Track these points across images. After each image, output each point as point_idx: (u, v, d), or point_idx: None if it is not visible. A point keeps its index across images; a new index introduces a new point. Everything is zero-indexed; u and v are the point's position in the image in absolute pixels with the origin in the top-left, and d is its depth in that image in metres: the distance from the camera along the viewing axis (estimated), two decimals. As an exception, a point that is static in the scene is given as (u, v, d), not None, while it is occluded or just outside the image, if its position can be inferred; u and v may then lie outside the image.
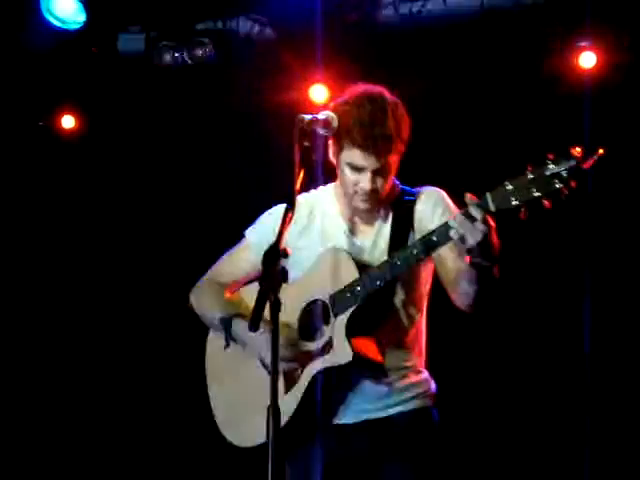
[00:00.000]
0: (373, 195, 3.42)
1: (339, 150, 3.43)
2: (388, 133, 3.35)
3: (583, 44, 5.35)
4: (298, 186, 3.17)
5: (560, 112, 5.36)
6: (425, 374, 3.53)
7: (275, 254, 3.01)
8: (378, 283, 3.29)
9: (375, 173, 3.38)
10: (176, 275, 3.96)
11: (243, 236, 3.68)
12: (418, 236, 3.35)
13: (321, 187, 3.62)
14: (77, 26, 5.72)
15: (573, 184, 2.92)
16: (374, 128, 3.34)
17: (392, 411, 3.43)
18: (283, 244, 3.03)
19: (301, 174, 3.19)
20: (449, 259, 3.36)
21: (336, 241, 3.50)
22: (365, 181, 3.39)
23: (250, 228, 3.67)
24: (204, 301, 3.68)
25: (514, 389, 5.61)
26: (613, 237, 5.46)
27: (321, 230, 3.54)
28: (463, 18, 5.47)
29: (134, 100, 6.15)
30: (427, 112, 5.47)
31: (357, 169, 3.39)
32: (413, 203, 3.47)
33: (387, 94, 3.45)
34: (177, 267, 5.78)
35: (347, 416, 3.43)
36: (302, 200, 3.53)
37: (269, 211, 3.65)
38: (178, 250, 6.07)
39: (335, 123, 3.39)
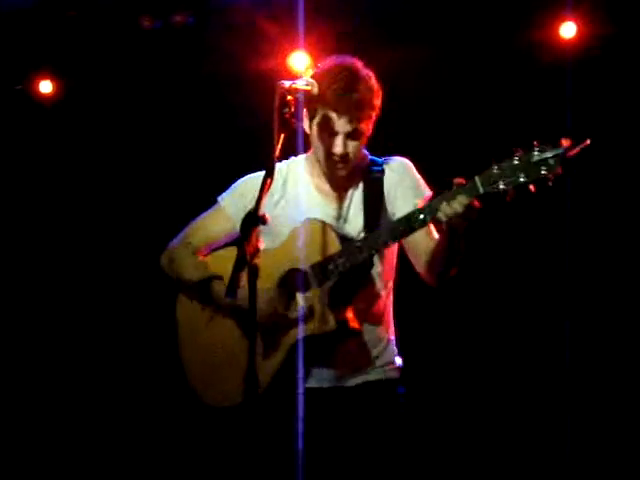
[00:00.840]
0: (346, 160, 3.46)
1: (313, 116, 3.47)
2: (360, 98, 3.42)
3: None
4: (277, 153, 3.19)
5: (541, 83, 5.36)
6: (393, 347, 3.60)
7: (253, 220, 3.04)
8: (362, 256, 3.34)
9: (347, 137, 3.43)
10: (153, 240, 3.93)
11: (216, 201, 3.68)
12: (389, 206, 3.47)
13: (292, 158, 3.64)
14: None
15: (559, 171, 3.00)
16: (347, 93, 3.41)
17: (362, 379, 3.50)
18: (262, 211, 3.06)
19: (280, 141, 3.20)
20: (420, 233, 3.39)
21: (310, 210, 3.53)
22: (339, 145, 3.43)
23: (224, 194, 3.68)
24: (177, 263, 3.67)
25: (485, 370, 5.63)
26: (593, 229, 5.46)
27: (295, 199, 3.57)
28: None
29: (112, 65, 6.10)
30: (406, 81, 5.49)
31: (330, 133, 3.44)
32: (382, 173, 3.54)
33: (360, 64, 3.52)
34: (153, 232, 5.75)
35: (318, 380, 3.49)
36: (277, 169, 3.50)
37: (244, 178, 3.66)
38: (152, 216, 6.04)
39: (315, 89, 3.41)
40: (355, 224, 3.51)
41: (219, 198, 3.68)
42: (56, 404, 6.24)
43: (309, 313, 3.39)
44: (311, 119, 3.48)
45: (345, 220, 3.52)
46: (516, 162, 3.04)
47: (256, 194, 3.42)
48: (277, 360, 3.43)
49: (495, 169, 3.08)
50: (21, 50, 6.03)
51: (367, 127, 3.47)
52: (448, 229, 3.19)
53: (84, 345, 6.25)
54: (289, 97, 3.26)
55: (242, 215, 3.49)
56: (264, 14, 5.56)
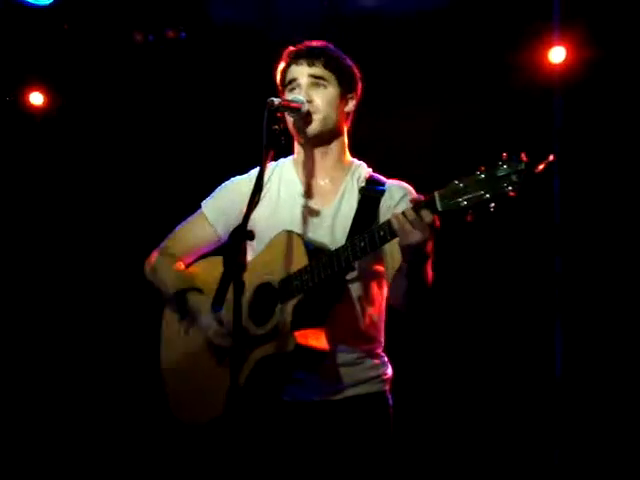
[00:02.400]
0: (312, 109, 3.42)
1: (282, 91, 3.51)
2: (319, 46, 3.48)
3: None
4: (266, 169, 3.18)
5: (529, 107, 5.38)
6: (382, 359, 3.53)
7: (241, 235, 3.03)
8: (328, 272, 3.23)
9: (309, 85, 3.44)
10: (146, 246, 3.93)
11: (199, 207, 3.67)
12: None
13: (281, 159, 3.60)
14: (48, 2, 5.67)
15: (522, 188, 2.86)
16: (318, 47, 3.49)
17: (343, 395, 3.43)
18: (249, 226, 3.05)
19: (270, 157, 3.21)
20: (390, 254, 3.36)
21: (292, 206, 3.48)
22: (301, 93, 3.43)
23: (206, 201, 3.66)
24: (159, 272, 3.66)
25: (475, 377, 5.62)
26: (583, 238, 5.46)
27: (277, 196, 3.53)
28: (431, 7, 5.46)
29: (104, 78, 6.11)
30: (394, 106, 5.53)
31: (294, 86, 3.47)
32: (381, 194, 3.47)
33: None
34: (142, 242, 5.76)
35: (298, 394, 3.42)
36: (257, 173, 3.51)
37: (224, 184, 3.66)
38: (142, 229, 6.04)
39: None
40: (338, 236, 3.41)
41: (202, 204, 3.67)
42: (55, 405, 6.23)
43: (274, 332, 3.29)
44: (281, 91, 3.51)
45: (330, 228, 3.45)
46: (479, 177, 2.90)
47: (236, 198, 3.50)
48: (242, 378, 3.30)
49: (456, 185, 2.93)
50: (13, 62, 6.03)
51: (335, 84, 3.46)
52: (403, 244, 3.05)
53: (79, 346, 6.24)
54: (278, 114, 3.26)
55: (221, 220, 3.58)
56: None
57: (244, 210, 3.22)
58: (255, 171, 3.57)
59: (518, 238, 5.53)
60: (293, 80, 3.49)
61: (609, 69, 5.31)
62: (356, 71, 3.57)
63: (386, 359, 3.54)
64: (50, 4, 5.66)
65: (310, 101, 3.43)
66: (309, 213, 3.47)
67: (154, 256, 3.70)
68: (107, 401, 6.17)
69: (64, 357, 6.25)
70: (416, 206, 3.01)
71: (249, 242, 3.21)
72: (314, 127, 3.46)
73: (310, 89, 3.46)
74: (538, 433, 5.47)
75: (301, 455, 3.41)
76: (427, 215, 2.99)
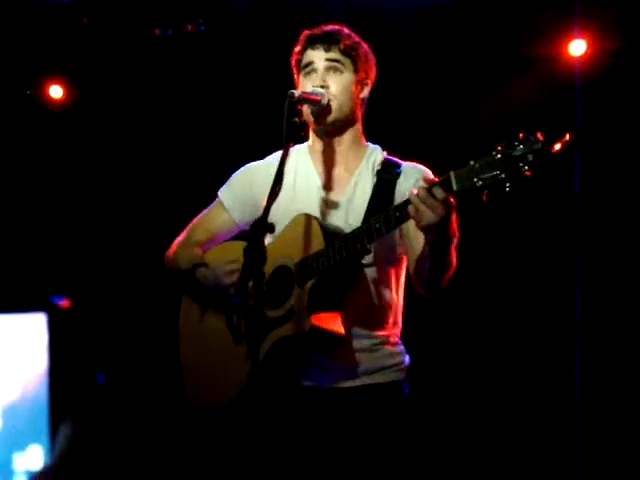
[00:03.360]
0: (329, 95, 3.39)
1: (298, 75, 3.49)
2: (347, 40, 3.44)
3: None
4: (286, 160, 3.16)
5: (550, 100, 5.37)
6: (399, 347, 3.50)
7: (262, 228, 3.03)
8: (344, 254, 3.21)
9: (325, 70, 3.42)
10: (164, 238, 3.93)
11: (217, 196, 3.67)
12: None
13: (296, 146, 3.52)
14: (68, -4, 5.70)
15: (539, 169, 2.83)
16: (334, 32, 3.45)
17: (360, 382, 3.41)
18: (272, 214, 3.06)
19: (290, 149, 3.19)
20: (412, 235, 3.33)
21: (308, 197, 3.47)
22: (317, 78, 3.41)
23: (222, 188, 3.66)
24: (176, 259, 3.65)
25: (493, 368, 5.62)
26: (603, 227, 5.46)
27: (293, 186, 3.49)
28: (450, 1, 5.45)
29: (123, 71, 6.13)
30: (414, 95, 5.52)
31: (309, 70, 3.44)
32: (397, 176, 3.44)
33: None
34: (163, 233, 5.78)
35: (314, 380, 3.41)
36: (273, 158, 3.54)
37: (240, 170, 3.65)
38: (165, 218, 6.05)
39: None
40: (353, 221, 3.37)
41: (219, 192, 3.66)
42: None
43: (290, 313, 3.29)
44: (298, 83, 3.48)
45: (345, 211, 3.42)
46: (496, 157, 2.86)
47: (252, 184, 3.51)
48: (257, 362, 3.22)
49: (472, 165, 2.90)
50: (33, 55, 6.05)
51: (350, 69, 3.43)
52: (419, 225, 3.02)
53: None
54: (298, 106, 3.25)
55: (237, 207, 3.58)
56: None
57: (260, 197, 3.24)
58: (271, 157, 3.57)
59: (537, 231, 5.52)
60: (309, 64, 3.46)
61: (630, 61, 5.30)
62: (372, 57, 3.54)
63: (403, 347, 3.52)
64: (70, -2, 5.68)
65: (326, 87, 3.41)
66: (325, 202, 3.45)
67: (174, 246, 3.71)
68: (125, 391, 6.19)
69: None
70: (431, 186, 2.98)
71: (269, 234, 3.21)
72: (330, 115, 3.43)
73: (326, 74, 3.43)
74: (556, 427, 5.46)
75: (315, 442, 3.40)
76: (440, 194, 2.95)
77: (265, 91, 5.28)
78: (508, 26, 5.43)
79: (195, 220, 3.70)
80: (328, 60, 3.43)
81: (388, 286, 3.45)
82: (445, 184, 2.95)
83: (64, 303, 6.07)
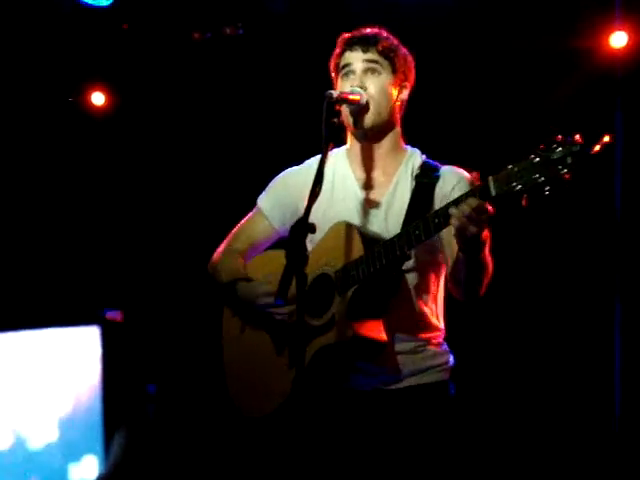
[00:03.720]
0: (366, 96, 3.38)
1: (336, 78, 3.48)
2: (385, 42, 3.42)
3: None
4: (328, 158, 3.17)
5: (592, 92, 5.33)
6: (442, 347, 3.49)
7: (303, 229, 3.03)
8: (383, 261, 3.20)
9: (363, 71, 3.40)
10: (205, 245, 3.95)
11: (256, 204, 3.67)
12: None
13: (334, 150, 3.50)
14: (107, 3, 5.73)
15: (578, 171, 2.79)
16: (373, 34, 3.44)
17: (405, 383, 3.40)
18: (310, 219, 3.04)
19: (329, 150, 3.19)
20: (446, 242, 3.32)
21: (346, 201, 3.45)
22: (355, 78, 3.40)
23: (262, 195, 3.66)
24: (219, 269, 3.65)
25: (535, 368, 5.59)
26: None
27: (331, 190, 3.47)
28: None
29: (164, 78, 6.16)
30: (452, 94, 5.50)
31: (347, 72, 3.42)
32: (435, 180, 3.41)
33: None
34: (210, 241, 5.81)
35: (360, 382, 3.40)
36: (312, 163, 3.52)
37: (279, 177, 3.64)
38: (205, 224, 6.08)
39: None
40: (392, 226, 3.37)
41: (258, 199, 3.66)
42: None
43: (332, 321, 3.28)
44: (336, 84, 3.47)
45: (384, 217, 3.41)
46: (534, 161, 2.83)
47: (291, 190, 3.50)
48: (301, 371, 3.25)
49: (510, 169, 2.87)
50: (74, 62, 6.10)
51: (388, 71, 3.42)
52: (459, 235, 3.00)
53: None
54: (337, 107, 3.23)
55: (276, 213, 3.57)
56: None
57: (300, 202, 3.25)
58: (310, 162, 3.56)
59: (578, 239, 5.49)
60: (347, 65, 3.44)
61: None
62: (410, 59, 3.52)
63: (447, 347, 3.51)
64: (109, 4, 5.71)
65: (364, 88, 3.39)
66: (363, 206, 3.44)
67: (216, 255, 3.71)
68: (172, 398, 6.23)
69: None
70: (470, 192, 2.98)
71: (310, 235, 3.16)
72: (369, 117, 3.41)
73: (364, 76, 3.41)
74: (597, 430, 5.42)
75: (362, 443, 3.40)
76: (480, 206, 2.94)
77: (304, 94, 5.28)
78: (549, 19, 5.39)
79: (235, 228, 3.70)
80: (366, 61, 3.42)
81: (429, 290, 3.44)
82: (484, 190, 2.94)
83: (117, 316, 6.11)
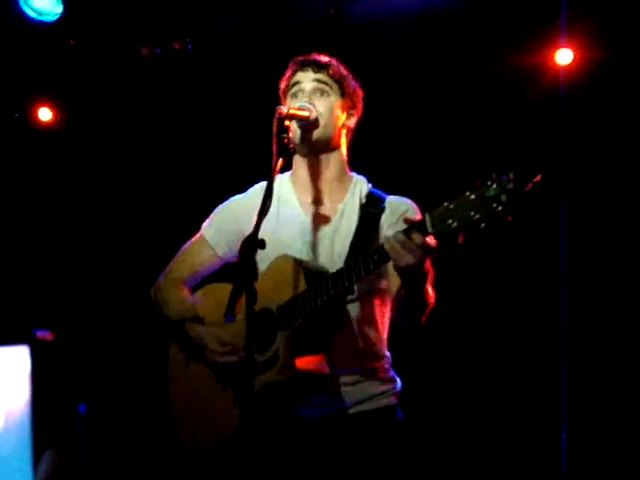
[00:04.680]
0: (311, 119, 3.38)
1: (285, 97, 3.50)
2: (334, 67, 3.45)
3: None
4: (276, 177, 3.15)
5: (536, 109, 5.38)
6: (389, 374, 3.48)
7: (253, 244, 3.00)
8: (325, 297, 3.19)
9: (312, 91, 3.42)
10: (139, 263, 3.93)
11: (200, 230, 3.63)
12: None
13: (278, 175, 3.38)
14: (54, 18, 5.68)
15: (513, 208, 2.79)
16: (323, 58, 3.47)
17: (354, 410, 3.39)
18: (260, 235, 3.01)
19: (279, 166, 3.17)
20: (390, 274, 3.29)
21: (292, 227, 3.43)
22: (303, 98, 3.41)
23: (205, 224, 3.62)
24: (162, 297, 3.62)
25: (484, 389, 5.63)
26: (587, 242, 5.48)
27: (277, 217, 3.45)
28: (438, 10, 5.45)
29: (112, 92, 6.13)
30: (397, 108, 5.52)
31: (296, 91, 3.44)
32: (381, 211, 3.42)
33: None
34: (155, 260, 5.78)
35: (307, 413, 3.37)
36: (256, 190, 3.52)
37: (224, 205, 3.61)
38: (152, 244, 6.05)
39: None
40: (337, 256, 3.36)
41: (202, 227, 3.62)
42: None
43: (274, 358, 3.25)
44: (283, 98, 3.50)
45: (330, 246, 3.40)
46: (470, 198, 2.84)
47: (235, 218, 3.48)
48: (245, 407, 3.23)
49: (446, 206, 2.88)
50: (21, 78, 6.05)
51: (337, 94, 3.43)
52: (397, 269, 3.01)
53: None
54: (287, 122, 3.23)
55: (222, 242, 3.54)
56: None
57: (247, 228, 3.18)
58: (254, 188, 3.54)
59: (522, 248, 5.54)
60: (297, 83, 3.45)
61: (616, 71, 5.31)
62: (360, 92, 3.54)
63: (393, 373, 3.50)
64: (56, 20, 5.67)
65: (312, 104, 3.40)
66: (309, 233, 3.43)
67: (160, 283, 3.66)
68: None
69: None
70: (407, 229, 2.98)
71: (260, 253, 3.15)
72: (316, 132, 3.40)
73: (313, 95, 3.42)
74: (545, 452, 5.46)
75: (312, 471, 3.38)
76: (418, 237, 2.94)
77: (253, 110, 5.29)
78: (494, 35, 5.44)
79: (179, 255, 3.66)
80: (316, 81, 3.44)
81: (373, 319, 3.43)
82: (421, 226, 2.95)
83: (47, 335, 6.05)
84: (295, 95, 3.45)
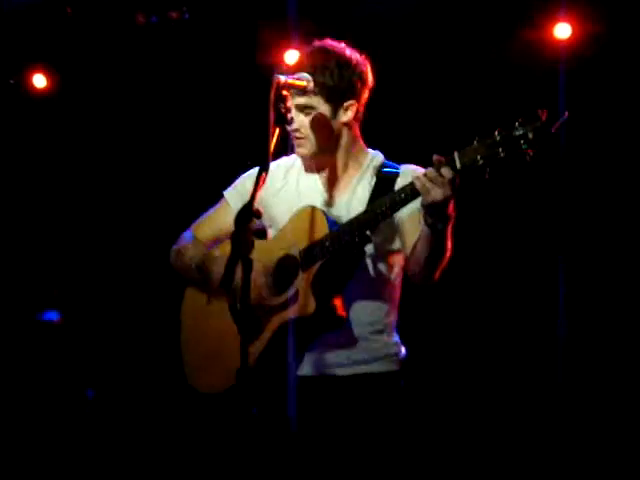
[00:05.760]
0: (299, 136, 3.47)
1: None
2: (315, 73, 3.42)
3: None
4: (273, 146, 3.19)
5: (535, 84, 5.37)
6: (395, 337, 3.56)
7: (248, 214, 3.04)
8: (346, 238, 3.32)
9: (300, 111, 3.46)
10: (157, 235, 3.94)
11: (222, 196, 3.70)
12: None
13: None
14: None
15: (538, 146, 2.98)
16: (306, 68, 3.44)
17: (357, 370, 3.46)
18: (256, 204, 3.06)
19: (276, 134, 3.21)
20: (406, 229, 3.42)
21: (309, 197, 3.54)
22: (294, 122, 3.45)
23: (229, 189, 3.69)
24: (183, 253, 3.69)
25: (486, 363, 5.64)
26: (586, 213, 5.48)
27: (296, 189, 3.58)
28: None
29: (107, 60, 6.10)
30: (402, 80, 5.50)
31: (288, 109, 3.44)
32: (395, 176, 3.49)
33: (345, 48, 3.51)
34: (157, 227, 5.79)
35: (311, 368, 3.47)
36: (280, 163, 3.63)
37: (247, 173, 3.67)
38: (157, 211, 6.05)
39: (311, 85, 3.41)
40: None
41: (224, 192, 3.70)
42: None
43: (294, 297, 3.39)
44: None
45: (346, 211, 3.49)
46: (497, 138, 3.02)
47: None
48: (261, 344, 3.42)
49: (475, 145, 3.06)
50: (16, 45, 6.02)
51: (321, 104, 3.44)
52: (425, 202, 3.13)
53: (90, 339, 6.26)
54: (284, 92, 3.27)
55: None
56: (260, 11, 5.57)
57: (265, 197, 3.41)
58: (278, 161, 3.63)
59: (526, 228, 5.55)
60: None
61: (615, 45, 5.30)
62: (354, 68, 3.49)
63: (399, 339, 3.57)
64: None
65: (302, 128, 3.47)
66: (327, 202, 3.54)
67: (180, 242, 3.74)
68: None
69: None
70: (437, 165, 3.09)
71: (269, 222, 3.45)
72: (301, 151, 3.52)
73: (298, 117, 3.47)
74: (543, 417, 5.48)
75: (310, 431, 3.45)
76: (447, 172, 3.09)
77: (249, 79, 5.29)
78: (493, 9, 5.43)
79: (200, 219, 3.74)
80: (296, 107, 3.47)
81: (387, 277, 3.52)
82: (450, 162, 3.09)
83: (55, 318, 6.09)
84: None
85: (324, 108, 3.47)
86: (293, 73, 3.41)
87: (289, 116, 3.29)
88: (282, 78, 3.29)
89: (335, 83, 3.46)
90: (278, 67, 3.36)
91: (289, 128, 3.44)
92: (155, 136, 6.17)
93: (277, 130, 3.20)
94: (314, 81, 3.42)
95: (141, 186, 6.21)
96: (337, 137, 3.54)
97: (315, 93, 3.45)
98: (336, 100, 3.48)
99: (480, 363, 5.64)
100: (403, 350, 3.56)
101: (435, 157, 3.12)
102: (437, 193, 3.09)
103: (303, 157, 3.57)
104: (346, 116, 3.52)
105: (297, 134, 3.49)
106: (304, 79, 3.40)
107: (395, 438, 3.47)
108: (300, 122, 3.47)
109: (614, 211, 5.44)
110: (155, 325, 5.76)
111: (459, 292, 5.48)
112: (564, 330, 5.40)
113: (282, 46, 5.58)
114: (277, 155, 3.40)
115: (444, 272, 3.39)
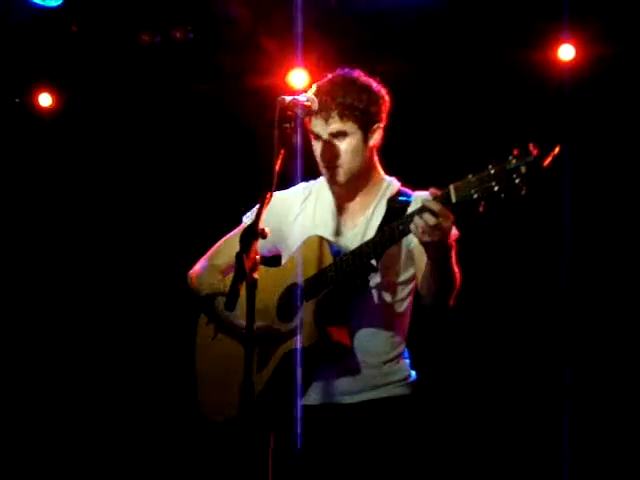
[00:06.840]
0: (334, 165, 3.47)
1: (310, 125, 3.51)
2: (344, 101, 3.43)
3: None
4: (278, 167, 3.18)
5: (538, 105, 5.38)
6: (404, 361, 3.55)
7: (252, 234, 3.05)
8: (349, 269, 3.34)
9: (332, 138, 3.46)
10: (170, 260, 3.97)
11: (241, 221, 3.71)
12: (404, 239, 3.37)
13: (321, 177, 3.63)
14: (56, 3, 5.68)
15: (531, 179, 2.94)
16: (331, 96, 3.44)
17: (364, 397, 3.45)
18: (261, 225, 3.06)
19: (281, 156, 3.19)
20: (418, 257, 3.43)
21: (324, 226, 3.55)
22: (319, 148, 3.47)
23: (247, 214, 3.70)
24: (197, 279, 3.71)
25: (495, 385, 5.64)
26: (591, 237, 5.50)
27: (312, 215, 3.60)
28: (441, 5, 5.45)
29: (111, 79, 6.11)
30: (404, 101, 5.51)
31: (316, 137, 3.49)
32: (407, 204, 3.47)
33: (363, 74, 3.54)
34: (167, 252, 5.83)
35: (317, 397, 3.46)
36: (298, 191, 3.67)
37: None
38: (162, 234, 6.07)
39: (315, 105, 3.41)
40: None
41: (243, 217, 3.70)
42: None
43: (299, 327, 3.39)
44: (310, 129, 3.52)
45: (358, 239, 3.47)
46: (491, 171, 3.00)
47: (276, 214, 3.56)
48: (267, 373, 3.44)
49: (469, 178, 3.04)
50: (21, 63, 6.04)
51: (355, 129, 3.45)
52: (423, 240, 3.12)
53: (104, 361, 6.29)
54: (289, 112, 3.26)
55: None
56: (264, 31, 5.58)
57: (283, 226, 3.50)
58: (296, 188, 3.67)
59: (529, 241, 5.55)
60: (315, 134, 3.49)
61: (618, 67, 5.31)
62: (376, 95, 3.52)
63: (409, 363, 3.56)
64: (59, 5, 5.66)
65: (336, 156, 3.47)
66: (339, 232, 3.56)
67: (197, 267, 3.76)
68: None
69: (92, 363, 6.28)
70: (433, 199, 3.09)
71: (284, 249, 3.52)
72: (339, 180, 3.52)
73: (330, 144, 3.47)
74: (548, 438, 5.47)
75: (321, 458, 3.44)
76: (441, 209, 3.06)
77: (253, 98, 5.29)
78: (497, 31, 5.44)
79: (218, 244, 3.75)
80: (330, 134, 3.47)
81: (397, 308, 3.52)
82: (445, 196, 3.07)
83: None
84: (317, 139, 3.50)
85: (357, 133, 3.48)
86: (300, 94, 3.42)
87: (294, 137, 3.28)
88: (287, 99, 3.29)
89: (366, 107, 3.48)
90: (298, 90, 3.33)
91: (320, 161, 3.47)
92: (158, 154, 6.18)
93: (282, 151, 3.19)
94: (344, 104, 3.43)
95: (148, 206, 6.22)
96: (367, 164, 3.55)
97: (347, 120, 3.45)
98: (367, 124, 3.50)
99: (490, 384, 5.63)
100: (413, 374, 3.55)
101: (431, 190, 3.12)
102: (434, 235, 3.09)
103: (335, 185, 3.55)
104: (374, 140, 3.54)
105: (329, 164, 3.48)
106: (310, 99, 3.40)
107: (407, 463, 3.45)
108: (334, 150, 3.47)
109: (620, 230, 5.46)
110: (171, 354, 5.77)
111: (468, 311, 5.47)
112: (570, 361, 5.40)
113: (287, 66, 5.61)
114: (282, 177, 3.38)
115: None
